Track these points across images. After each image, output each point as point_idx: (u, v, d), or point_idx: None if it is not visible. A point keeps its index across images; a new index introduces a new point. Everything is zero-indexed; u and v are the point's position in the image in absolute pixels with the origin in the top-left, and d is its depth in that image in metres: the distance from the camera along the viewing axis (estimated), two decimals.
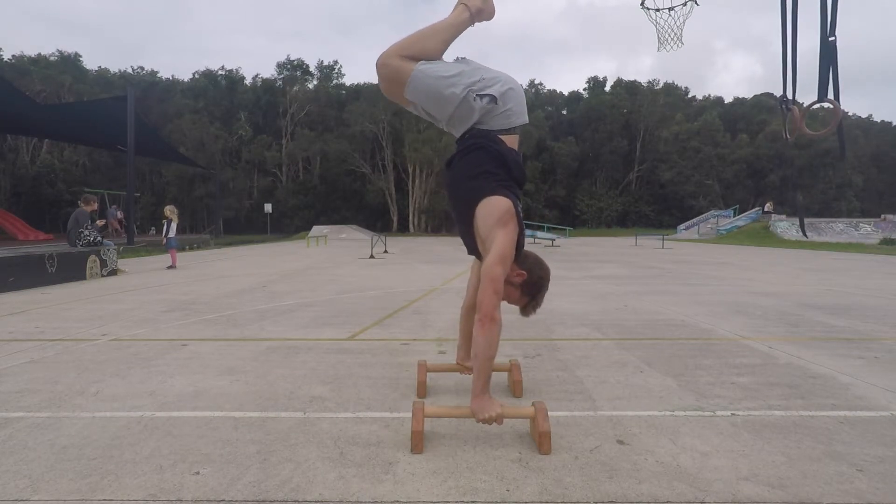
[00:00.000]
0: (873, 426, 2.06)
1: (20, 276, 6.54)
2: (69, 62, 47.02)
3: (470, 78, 2.02)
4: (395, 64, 2.04)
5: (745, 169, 46.63)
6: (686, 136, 47.28)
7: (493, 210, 1.95)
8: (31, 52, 47.02)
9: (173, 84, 51.57)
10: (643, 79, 70.62)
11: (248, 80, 52.77)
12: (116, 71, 51.30)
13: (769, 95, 52.71)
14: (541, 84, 60.68)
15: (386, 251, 15.76)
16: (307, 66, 51.47)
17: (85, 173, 41.76)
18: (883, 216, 27.27)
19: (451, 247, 19.93)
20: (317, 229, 32.68)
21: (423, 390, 2.45)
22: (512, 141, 2.08)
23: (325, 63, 52.70)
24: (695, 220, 36.25)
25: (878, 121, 60.00)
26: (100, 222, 9.34)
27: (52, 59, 46.67)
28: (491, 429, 2.02)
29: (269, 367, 2.94)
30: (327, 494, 1.54)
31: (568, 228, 37.85)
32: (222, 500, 1.50)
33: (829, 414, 2.20)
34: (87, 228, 8.30)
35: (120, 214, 21.28)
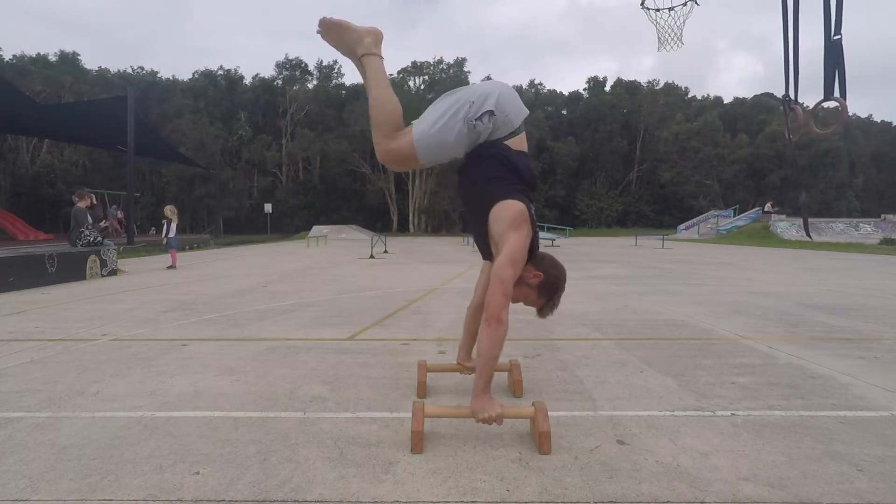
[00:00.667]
0: (873, 426, 2.06)
1: (20, 276, 6.54)
2: (69, 62, 47.03)
3: (461, 110, 2.00)
4: (393, 147, 2.04)
5: (745, 169, 46.62)
6: (686, 136, 47.28)
7: (506, 213, 1.96)
8: (31, 52, 47.01)
9: (173, 84, 51.55)
10: (645, 79, 70.64)
11: (247, 80, 52.79)
12: (116, 71, 51.30)
13: (769, 95, 52.65)
14: (541, 84, 60.69)
15: (386, 251, 15.76)
16: (305, 64, 51.46)
17: (85, 173, 41.75)
18: (883, 216, 27.27)
19: (451, 247, 19.93)
20: (317, 229, 32.68)
21: (423, 390, 2.45)
22: (518, 142, 2.08)
23: (325, 63, 52.69)
24: (695, 220, 36.24)
25: (878, 121, 60.02)
26: (103, 223, 9.35)
27: (52, 59, 46.68)
28: (491, 429, 2.02)
29: (269, 367, 2.94)
30: (327, 494, 1.54)
31: (568, 228, 37.86)
32: (222, 500, 1.50)
33: (829, 414, 2.20)
34: (87, 228, 8.30)
35: (120, 214, 21.29)
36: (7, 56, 43.40)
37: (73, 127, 20.91)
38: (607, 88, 55.20)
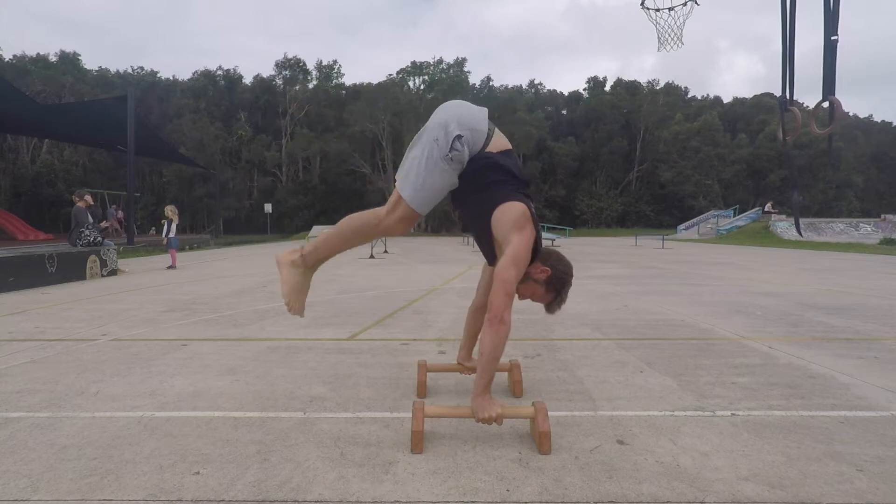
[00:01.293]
0: (873, 426, 2.06)
1: (20, 276, 6.54)
2: (69, 62, 47.02)
3: (433, 152, 2.00)
4: (395, 220, 2.08)
5: (745, 169, 46.63)
6: (686, 136, 47.28)
7: (509, 215, 1.96)
8: (31, 52, 47.02)
9: (173, 84, 51.57)
10: (647, 79, 70.66)
11: (247, 80, 52.79)
12: (116, 71, 51.32)
13: (769, 95, 52.72)
14: (541, 84, 60.66)
15: (386, 251, 15.76)
16: (304, 63, 51.43)
17: (85, 173, 41.76)
18: (883, 216, 27.26)
19: (450, 247, 19.94)
20: (317, 229, 32.67)
21: (423, 390, 2.45)
22: (497, 143, 2.06)
23: (325, 63, 52.69)
24: (695, 220, 36.24)
25: (878, 121, 60.03)
26: (103, 224, 9.35)
27: (52, 59, 46.68)
28: (491, 429, 2.02)
29: (269, 367, 2.95)
30: (327, 494, 1.54)
31: (568, 228, 37.87)
32: (222, 500, 1.50)
33: (829, 414, 2.20)
34: (87, 228, 8.30)
35: (120, 214, 21.28)
36: (7, 56, 43.40)
37: (73, 127, 20.91)
38: (607, 88, 55.21)
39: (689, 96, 57.59)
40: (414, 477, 1.64)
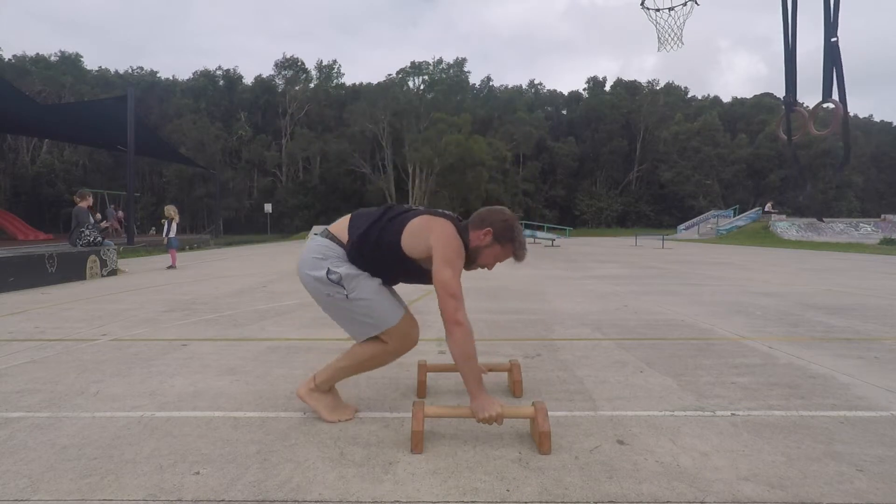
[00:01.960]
0: (873, 426, 2.06)
1: (20, 276, 6.54)
2: (70, 62, 47.03)
3: (339, 304, 2.01)
4: (396, 344, 2.10)
5: (745, 169, 46.65)
6: (686, 136, 47.30)
7: (413, 230, 1.96)
8: (31, 52, 47.05)
9: (173, 84, 51.58)
10: (647, 79, 70.68)
11: (247, 80, 52.80)
12: (115, 71, 51.32)
13: (769, 95, 52.79)
14: (540, 84, 60.72)
15: None
16: (302, 62, 51.41)
17: (85, 173, 41.76)
18: (883, 216, 27.26)
19: None
20: (317, 229, 32.63)
21: (423, 390, 2.45)
22: (341, 231, 2.07)
23: (325, 63, 52.69)
24: (695, 220, 36.23)
25: (878, 121, 60.04)
26: (103, 224, 9.35)
27: (52, 59, 46.68)
28: (491, 429, 2.02)
29: (269, 367, 2.95)
30: (327, 494, 1.54)
31: (568, 228, 37.86)
32: (222, 500, 1.50)
33: (829, 414, 2.20)
34: (87, 228, 8.29)
35: (120, 214, 21.27)
36: (7, 56, 43.40)
37: (73, 127, 20.91)
38: (607, 88, 55.20)
39: (689, 96, 57.61)
40: (414, 477, 1.64)
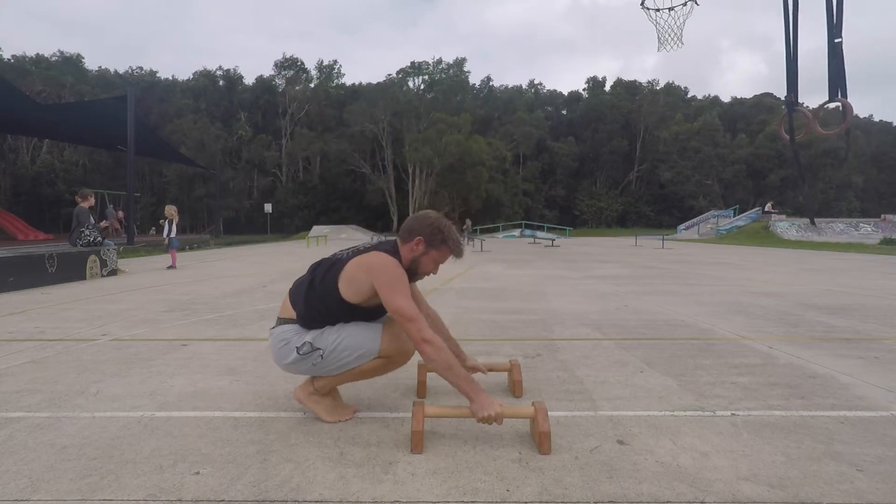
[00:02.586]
0: (873, 426, 2.06)
1: (20, 276, 6.54)
2: (70, 62, 47.04)
3: (317, 363, 2.04)
4: (393, 353, 2.07)
5: (745, 169, 46.64)
6: (686, 136, 47.30)
7: (347, 275, 1.98)
8: (31, 52, 47.06)
9: (173, 84, 51.59)
10: (650, 78, 70.71)
11: (247, 80, 52.81)
12: (116, 71, 51.34)
13: (769, 95, 52.82)
14: (540, 84, 60.73)
15: None
16: (302, 62, 51.42)
17: (85, 173, 41.76)
18: (883, 216, 27.27)
19: None
20: (317, 229, 32.72)
21: (423, 390, 2.45)
22: (287, 311, 2.17)
23: (325, 63, 52.68)
24: (695, 220, 36.25)
25: (878, 121, 60.02)
26: (102, 224, 9.35)
27: (53, 59, 46.68)
28: (491, 429, 2.02)
29: (269, 367, 2.94)
30: (327, 494, 1.54)
31: (568, 228, 37.87)
32: (222, 500, 1.50)
33: (829, 414, 2.20)
34: (87, 228, 8.29)
35: (120, 214, 21.28)
36: (7, 56, 43.41)
37: (73, 127, 20.93)
38: (607, 88, 55.20)
39: (689, 96, 57.60)
40: (414, 477, 1.64)
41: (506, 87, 57.95)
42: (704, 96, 59.60)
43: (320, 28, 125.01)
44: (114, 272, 8.50)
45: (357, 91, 50.12)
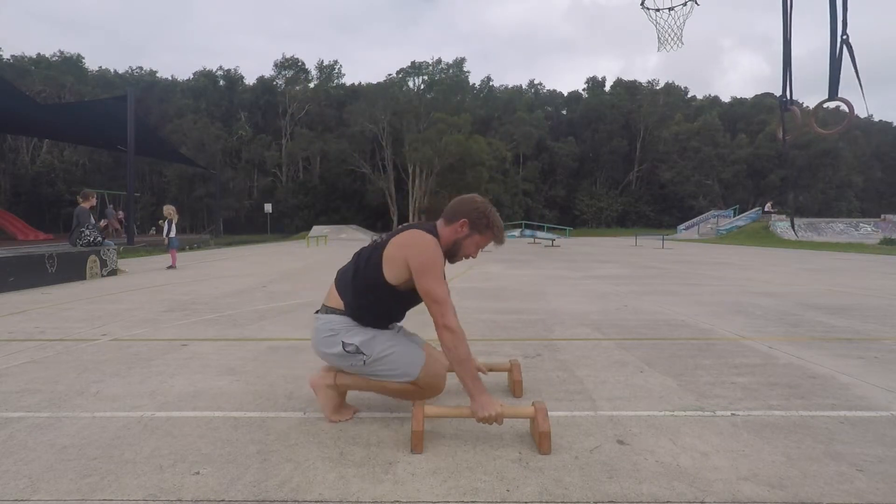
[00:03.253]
0: (873, 426, 2.06)
1: (20, 276, 6.54)
2: (70, 62, 47.03)
3: (352, 360, 2.03)
4: (424, 384, 2.06)
5: (745, 169, 46.63)
6: (686, 136, 47.29)
7: (389, 256, 1.97)
8: (31, 52, 47.09)
9: (173, 84, 51.59)
10: (651, 78, 70.75)
11: (247, 80, 52.81)
12: (116, 71, 51.34)
13: (770, 95, 52.75)
14: (540, 84, 60.72)
15: None
16: (302, 63, 51.43)
17: (85, 173, 41.77)
18: (883, 216, 27.29)
19: None
20: (317, 229, 32.70)
21: None
22: (334, 300, 2.11)
23: (325, 63, 52.69)
24: (695, 220, 36.26)
25: (878, 121, 59.99)
26: (102, 224, 9.35)
27: (53, 59, 46.68)
28: (491, 429, 2.02)
29: (269, 367, 2.94)
30: (327, 494, 1.54)
31: (568, 228, 37.87)
32: (222, 500, 1.50)
33: (829, 414, 2.20)
34: (88, 228, 8.29)
35: (120, 214, 21.28)
36: (7, 56, 43.41)
37: (73, 127, 20.91)
38: (607, 88, 55.20)
39: (688, 96, 57.60)
40: (414, 477, 1.64)
41: (506, 87, 57.95)
42: (705, 96, 59.63)
43: (320, 28, 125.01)
44: (114, 272, 8.50)
45: (357, 91, 50.10)
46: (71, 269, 7.48)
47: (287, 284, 7.16)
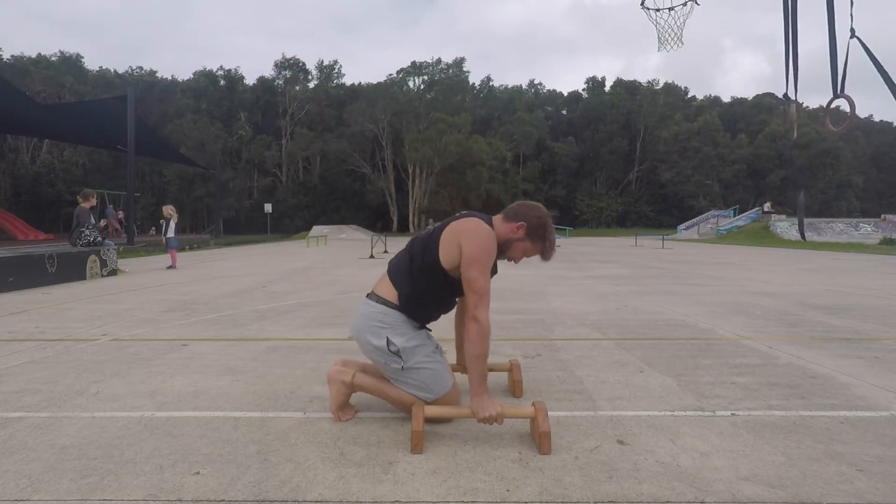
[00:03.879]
0: (873, 426, 2.06)
1: (20, 276, 6.54)
2: (70, 62, 47.06)
3: (392, 365, 2.03)
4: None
5: (745, 169, 46.65)
6: (686, 136, 47.31)
7: (446, 239, 1.97)
8: (31, 52, 47.10)
9: (173, 84, 51.61)
10: (652, 78, 70.70)
11: (247, 81, 52.82)
12: (116, 71, 51.34)
13: (770, 95, 52.80)
14: (540, 84, 60.75)
15: (386, 251, 15.76)
16: (303, 63, 51.46)
17: (85, 173, 41.78)
18: (883, 216, 27.28)
19: None
20: (317, 229, 32.70)
21: None
22: (384, 289, 2.10)
23: (325, 63, 52.70)
24: (695, 220, 36.26)
25: (878, 121, 60.00)
26: (102, 224, 9.35)
27: (52, 59, 46.69)
28: (491, 429, 2.02)
29: (269, 367, 2.94)
30: (327, 494, 1.54)
31: (568, 228, 37.88)
32: (222, 500, 1.50)
33: (829, 414, 2.20)
34: (88, 228, 8.29)
35: (120, 214, 21.28)
36: (7, 56, 43.42)
37: (73, 127, 20.90)
38: (607, 88, 55.19)
39: (688, 96, 57.60)
40: (414, 477, 1.64)
41: (506, 87, 57.99)
42: (705, 96, 59.65)
43: (320, 28, 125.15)
44: (114, 272, 8.50)
45: (357, 91, 50.14)
46: (71, 269, 7.48)
47: (287, 284, 7.16)
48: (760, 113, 50.76)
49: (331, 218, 42.27)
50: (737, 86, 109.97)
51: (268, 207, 34.82)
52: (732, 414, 2.19)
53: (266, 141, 47.88)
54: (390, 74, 49.70)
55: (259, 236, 33.80)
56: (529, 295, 6.04)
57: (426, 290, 2.04)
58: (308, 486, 1.58)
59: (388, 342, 2.00)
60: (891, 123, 59.78)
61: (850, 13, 2.62)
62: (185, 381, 2.65)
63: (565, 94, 59.60)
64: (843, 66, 2.65)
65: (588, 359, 3.12)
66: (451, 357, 2.97)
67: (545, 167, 50.18)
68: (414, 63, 47.85)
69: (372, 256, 13.47)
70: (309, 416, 2.17)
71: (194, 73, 52.32)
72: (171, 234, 10.33)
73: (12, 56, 44.27)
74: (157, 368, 2.90)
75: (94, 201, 8.57)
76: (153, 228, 31.28)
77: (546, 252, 2.12)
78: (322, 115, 48.80)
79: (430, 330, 2.20)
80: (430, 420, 1.97)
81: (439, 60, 48.42)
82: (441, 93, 46.31)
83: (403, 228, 44.25)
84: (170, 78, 52.77)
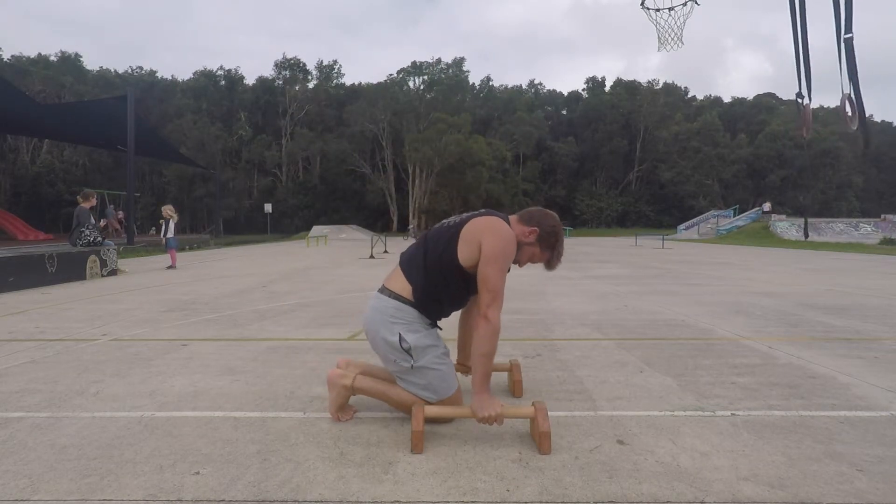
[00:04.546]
0: (873, 426, 2.06)
1: (20, 276, 6.54)
2: (70, 62, 47.06)
3: (400, 366, 2.02)
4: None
5: (745, 169, 46.64)
6: (686, 136, 47.32)
7: (466, 235, 1.96)
8: (31, 52, 47.12)
9: (173, 84, 51.61)
10: (653, 78, 70.76)
11: (247, 81, 52.83)
12: (116, 71, 51.34)
13: (770, 95, 52.83)
14: (540, 84, 60.75)
15: (386, 251, 15.76)
16: (303, 63, 51.48)
17: (85, 173, 41.79)
18: (883, 216, 27.30)
19: None
20: (317, 229, 32.71)
21: None
22: (396, 284, 2.10)
23: (325, 63, 52.71)
24: (695, 220, 36.28)
25: (879, 121, 59.99)
26: (102, 224, 9.35)
27: (52, 59, 46.69)
28: (491, 429, 2.02)
29: (269, 367, 2.94)
30: (327, 494, 1.53)
31: (568, 228, 37.86)
32: (222, 500, 1.50)
33: (829, 414, 2.19)
34: (88, 228, 8.29)
35: (120, 214, 21.27)
36: (7, 56, 43.43)
37: (73, 127, 20.91)
38: (607, 88, 55.19)
39: (689, 96, 57.61)
40: (414, 477, 1.64)
41: (506, 87, 57.98)
42: (705, 96, 59.65)
43: (320, 28, 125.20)
44: (114, 272, 8.50)
45: (357, 91, 50.14)
46: (71, 269, 7.48)
47: (287, 284, 7.16)
48: (760, 113, 50.79)
49: (331, 218, 42.28)
50: (737, 86, 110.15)
51: (268, 207, 34.81)
52: (732, 414, 2.19)
53: (266, 141, 47.88)
54: (390, 74, 49.74)
55: (259, 236, 33.80)
56: (529, 295, 6.04)
57: (440, 284, 2.03)
58: (308, 486, 1.58)
59: (401, 339, 2.00)
60: (891, 123, 59.82)
61: (842, 15, 2.62)
62: (184, 381, 2.65)
63: (565, 94, 59.60)
64: (850, 65, 2.65)
65: (588, 359, 3.12)
66: (451, 357, 2.97)
67: (545, 167, 50.18)
68: (414, 63, 47.85)
69: (372, 256, 13.47)
70: (309, 416, 2.17)
71: (194, 73, 52.36)
72: (170, 234, 10.33)
73: (12, 56, 44.31)
74: (156, 368, 2.90)
75: (94, 201, 8.57)
76: (153, 228, 31.27)
77: (552, 261, 2.13)
78: (322, 115, 48.80)
79: (441, 329, 2.19)
80: (430, 420, 1.97)
81: (439, 60, 48.43)
82: (441, 93, 46.30)
83: (403, 228, 44.22)
84: (170, 78, 52.79)
